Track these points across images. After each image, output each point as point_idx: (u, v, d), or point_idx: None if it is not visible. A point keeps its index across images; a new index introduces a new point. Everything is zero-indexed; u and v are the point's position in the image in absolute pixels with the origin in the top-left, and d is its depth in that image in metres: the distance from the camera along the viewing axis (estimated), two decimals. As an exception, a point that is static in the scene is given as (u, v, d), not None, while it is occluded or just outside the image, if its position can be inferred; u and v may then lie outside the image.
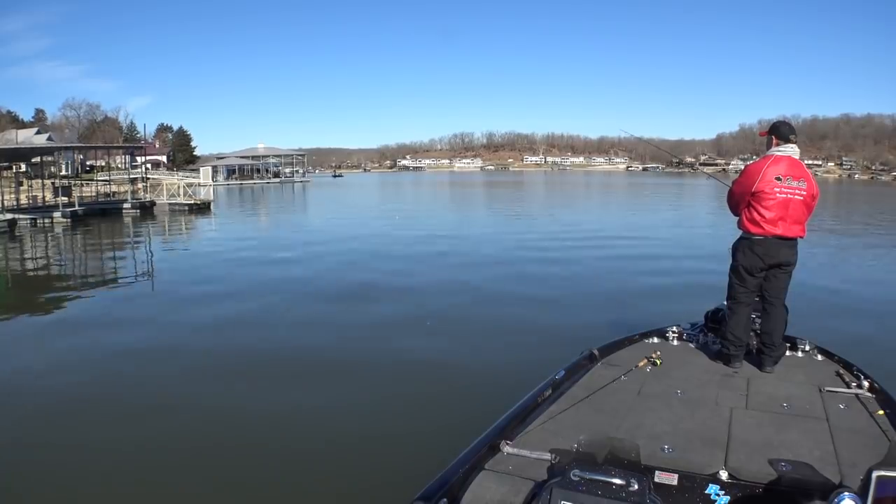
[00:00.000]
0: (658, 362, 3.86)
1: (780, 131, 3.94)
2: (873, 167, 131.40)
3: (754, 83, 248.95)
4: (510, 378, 4.96)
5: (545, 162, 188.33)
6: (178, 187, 34.73)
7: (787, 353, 4.04)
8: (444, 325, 7.98)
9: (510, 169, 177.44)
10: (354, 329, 7.91)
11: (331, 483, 4.09)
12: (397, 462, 4.20)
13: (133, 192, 33.48)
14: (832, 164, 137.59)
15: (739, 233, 4.06)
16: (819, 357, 4.05)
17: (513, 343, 7.07)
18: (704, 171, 64.92)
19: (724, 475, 2.46)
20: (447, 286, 10.77)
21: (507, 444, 2.69)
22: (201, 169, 54.92)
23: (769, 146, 3.99)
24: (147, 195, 33.81)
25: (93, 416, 5.16)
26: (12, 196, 28.00)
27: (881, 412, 3.08)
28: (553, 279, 11.31)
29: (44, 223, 24.18)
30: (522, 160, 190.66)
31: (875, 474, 2.02)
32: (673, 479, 2.46)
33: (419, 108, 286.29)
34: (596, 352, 4.02)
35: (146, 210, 30.57)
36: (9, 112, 72.94)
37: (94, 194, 33.92)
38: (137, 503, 3.92)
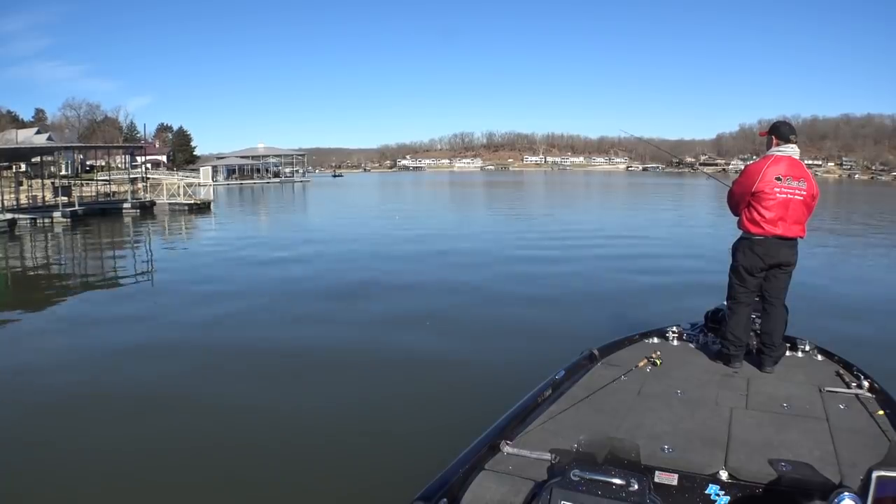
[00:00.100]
0: (658, 362, 3.86)
1: (780, 131, 3.94)
2: (873, 167, 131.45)
3: (754, 83, 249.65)
4: (510, 378, 4.96)
5: (545, 162, 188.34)
6: (178, 187, 34.71)
7: (787, 353, 4.04)
8: (444, 325, 7.98)
9: (510, 169, 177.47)
10: (354, 328, 7.91)
11: (331, 483, 4.09)
12: (397, 462, 4.20)
13: (133, 192, 33.45)
14: (832, 164, 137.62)
15: (739, 233, 4.06)
16: (819, 357, 4.05)
17: (513, 343, 7.08)
18: (704, 171, 64.80)
19: (724, 475, 2.46)
20: (447, 286, 10.78)
21: (507, 444, 2.68)
22: (201, 169, 54.98)
23: (769, 146, 3.98)
24: (147, 195, 33.79)
25: (93, 414, 5.17)
26: (12, 196, 27.95)
27: (881, 412, 3.08)
28: (553, 279, 11.31)
29: (44, 223, 24.17)
30: (522, 160, 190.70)
31: (875, 474, 2.02)
32: (673, 479, 2.46)
33: (419, 108, 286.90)
34: (596, 352, 4.02)
35: (146, 210, 30.56)
36: (9, 112, 73.03)
37: (94, 194, 33.89)
38: (137, 503, 3.92)
